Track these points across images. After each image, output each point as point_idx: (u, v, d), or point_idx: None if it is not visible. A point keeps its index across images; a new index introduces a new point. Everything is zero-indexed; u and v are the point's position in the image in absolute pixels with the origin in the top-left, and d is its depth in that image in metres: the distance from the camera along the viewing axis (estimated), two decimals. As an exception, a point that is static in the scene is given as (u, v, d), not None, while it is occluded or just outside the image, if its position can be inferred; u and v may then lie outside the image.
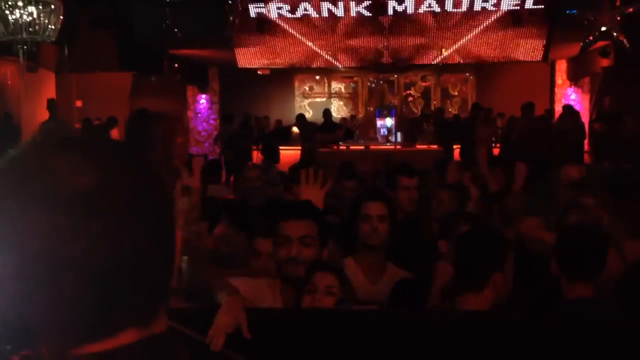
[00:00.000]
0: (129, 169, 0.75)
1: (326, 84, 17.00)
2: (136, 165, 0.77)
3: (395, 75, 16.70)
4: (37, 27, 7.66)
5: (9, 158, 0.73)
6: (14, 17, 7.66)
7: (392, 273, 2.98)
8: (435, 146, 12.20)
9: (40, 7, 7.54)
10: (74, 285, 0.69)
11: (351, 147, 12.82)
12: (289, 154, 11.99)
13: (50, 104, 10.66)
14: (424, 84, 16.86)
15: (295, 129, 13.98)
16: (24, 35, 7.75)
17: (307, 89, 17.03)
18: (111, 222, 0.70)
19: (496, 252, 2.41)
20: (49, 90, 12.74)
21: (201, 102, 16.63)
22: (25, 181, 0.70)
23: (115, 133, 12.04)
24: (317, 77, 16.90)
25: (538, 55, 13.36)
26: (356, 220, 3.01)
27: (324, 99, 16.82)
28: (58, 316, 0.71)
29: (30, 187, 0.69)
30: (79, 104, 14.01)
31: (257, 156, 12.51)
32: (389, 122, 13.92)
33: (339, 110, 16.63)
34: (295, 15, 12.06)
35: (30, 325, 0.72)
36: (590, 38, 10.77)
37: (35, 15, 7.72)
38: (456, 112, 15.05)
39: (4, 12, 7.61)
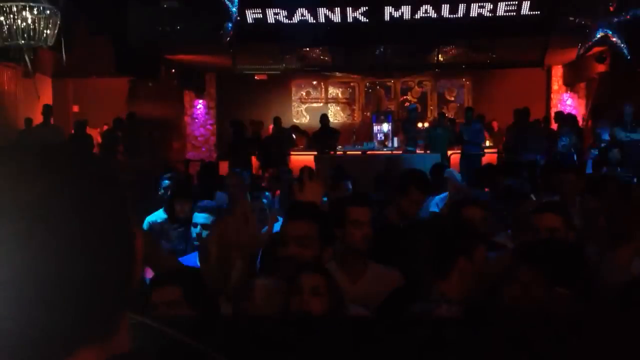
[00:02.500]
0: (82, 177, 0.73)
1: (323, 89, 17.02)
2: (92, 174, 0.74)
3: (392, 81, 16.74)
4: (33, 32, 7.66)
5: None
6: (9, 22, 7.66)
7: (374, 272, 3.04)
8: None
9: (36, 12, 7.55)
10: (18, 303, 0.65)
11: (348, 152, 12.83)
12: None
13: (46, 109, 10.67)
14: (420, 89, 16.89)
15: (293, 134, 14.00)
16: (20, 41, 7.75)
17: (304, 94, 17.05)
18: (57, 232, 0.67)
19: (460, 239, 2.53)
20: (46, 95, 12.74)
21: (198, 107, 16.64)
22: None
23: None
24: (314, 82, 16.92)
25: (534, 61, 13.40)
26: (342, 224, 3.03)
27: (321, 104, 16.84)
28: (7, 338, 0.66)
29: None
30: (75, 109, 14.02)
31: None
32: (386, 127, 13.95)
33: (335, 115, 16.65)
34: (292, 21, 12.08)
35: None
36: (589, 43, 10.82)
37: (30, 21, 7.72)
38: (452, 117, 15.05)
39: (-1, 18, 7.61)
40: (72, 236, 0.68)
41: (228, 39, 11.31)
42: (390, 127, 13.94)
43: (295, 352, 2.04)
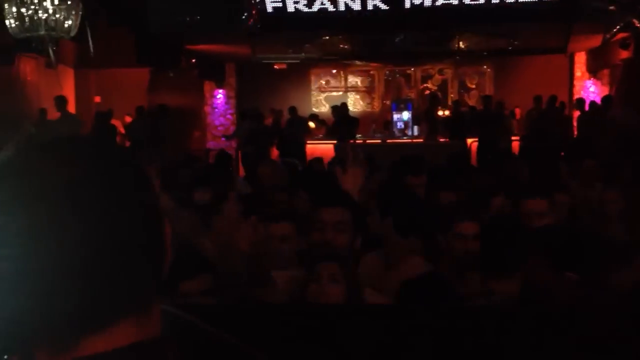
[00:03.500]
0: (107, 163, 0.78)
1: (342, 78, 16.98)
2: (115, 159, 0.79)
3: (412, 69, 16.64)
4: (54, 23, 7.71)
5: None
6: (29, 13, 7.71)
7: (413, 264, 3.00)
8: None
9: (57, 2, 7.59)
10: (59, 278, 0.71)
11: (367, 141, 12.81)
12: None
13: (59, 100, 10.75)
14: (441, 77, 16.77)
15: (311, 124, 14.00)
16: (42, 31, 7.80)
17: (324, 82, 17.02)
18: (92, 214, 0.73)
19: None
20: (68, 86, 12.86)
21: (218, 97, 16.69)
22: (7, 180, 0.74)
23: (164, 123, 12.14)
24: (334, 71, 16.88)
25: (557, 48, 13.23)
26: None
27: (340, 93, 16.80)
28: (47, 312, 0.72)
29: (11, 185, 0.73)
30: (97, 99, 14.13)
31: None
32: (406, 115, 13.89)
33: (355, 104, 16.61)
34: (312, 10, 12.04)
35: (23, 330, 0.73)
36: (614, 30, 10.66)
37: (51, 12, 7.76)
38: (473, 105, 14.95)
39: (20, 8, 7.66)
40: (99, 221, 0.73)
41: (248, 28, 11.31)
42: (410, 116, 13.87)
43: (315, 340, 2.05)
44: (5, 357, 0.79)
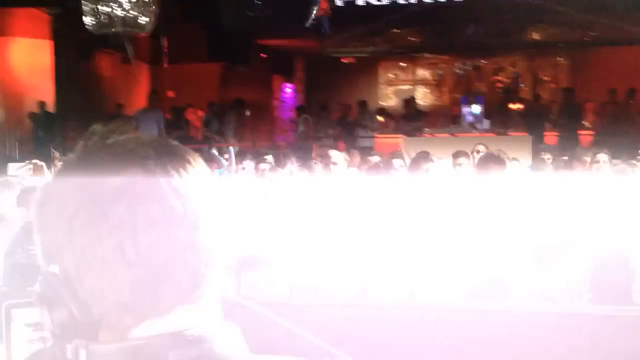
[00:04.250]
0: (171, 163, 0.82)
1: (411, 71, 16.81)
2: (179, 159, 0.84)
3: (484, 61, 16.29)
4: (131, 20, 7.94)
5: (65, 160, 0.83)
6: (107, 10, 7.95)
7: None
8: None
9: (133, 0, 7.82)
10: (125, 270, 0.77)
11: (436, 135, 12.63)
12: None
13: (152, 95, 11.10)
14: (513, 69, 16.35)
15: (379, 118, 13.93)
16: (119, 28, 8.05)
17: (392, 76, 16.90)
18: (155, 211, 0.78)
19: None
20: (143, 81, 13.26)
21: (286, 90, 16.83)
22: (73, 180, 0.80)
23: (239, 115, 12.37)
24: (402, 64, 16.73)
25: (636, 38, 12.69)
26: None
27: (409, 86, 16.64)
28: (112, 300, 0.78)
29: (75, 184, 0.79)
30: (171, 94, 14.50)
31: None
32: (476, 109, 13.62)
33: (424, 97, 16.42)
34: (382, 3, 11.97)
35: (89, 314, 0.79)
36: None
37: (127, 8, 7.99)
38: (549, 98, 14.52)
39: (97, 5, 7.92)
40: (164, 215, 0.79)
41: (317, 22, 11.36)
42: (481, 109, 13.59)
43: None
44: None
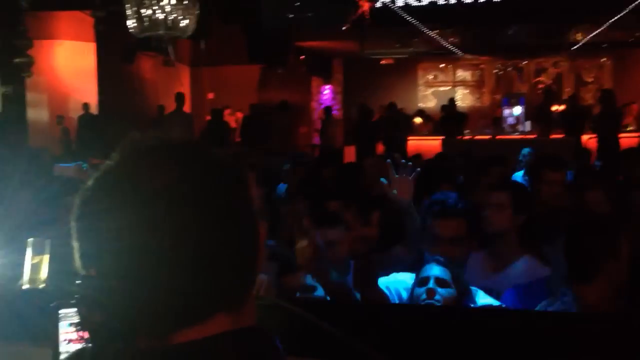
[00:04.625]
0: (207, 166, 0.83)
1: (451, 72, 16.66)
2: (215, 163, 0.85)
3: (525, 62, 16.05)
4: (172, 23, 8.04)
5: (106, 164, 0.84)
6: (149, 13, 8.06)
7: (523, 265, 2.88)
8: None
9: (174, 3, 7.92)
10: (163, 275, 0.78)
11: (476, 137, 12.51)
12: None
13: (179, 97, 11.23)
14: (555, 70, 16.07)
15: (417, 119, 13.85)
16: (161, 31, 8.16)
17: (431, 77, 16.78)
18: (192, 215, 0.78)
19: (606, 241, 2.21)
20: (184, 83, 13.42)
21: (325, 92, 16.85)
22: (117, 184, 0.81)
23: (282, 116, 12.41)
24: (442, 65, 16.59)
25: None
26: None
27: (449, 88, 16.50)
28: (151, 305, 0.79)
29: (120, 188, 0.80)
30: (210, 96, 14.66)
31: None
32: (517, 110, 13.44)
33: (463, 98, 16.26)
34: (421, 3, 11.90)
35: (128, 318, 0.79)
36: None
37: (169, 11, 8.08)
38: (591, 101, 14.23)
39: (140, 9, 8.03)
40: (205, 219, 0.79)
41: (356, 23, 11.34)
42: (522, 111, 13.41)
43: (418, 339, 2.02)
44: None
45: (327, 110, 13.77)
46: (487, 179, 4.14)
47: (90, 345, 0.85)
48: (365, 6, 11.31)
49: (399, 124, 12.50)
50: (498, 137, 12.50)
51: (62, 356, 1.87)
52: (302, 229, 2.61)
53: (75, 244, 0.83)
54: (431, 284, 2.31)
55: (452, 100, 12.89)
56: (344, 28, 11.40)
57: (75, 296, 0.82)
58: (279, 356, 0.85)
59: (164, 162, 0.81)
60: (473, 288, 2.49)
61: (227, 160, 0.86)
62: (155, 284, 0.78)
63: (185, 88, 12.82)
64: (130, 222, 0.78)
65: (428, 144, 11.67)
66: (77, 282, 0.82)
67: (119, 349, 0.81)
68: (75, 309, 1.80)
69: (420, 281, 2.35)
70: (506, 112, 13.54)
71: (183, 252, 0.78)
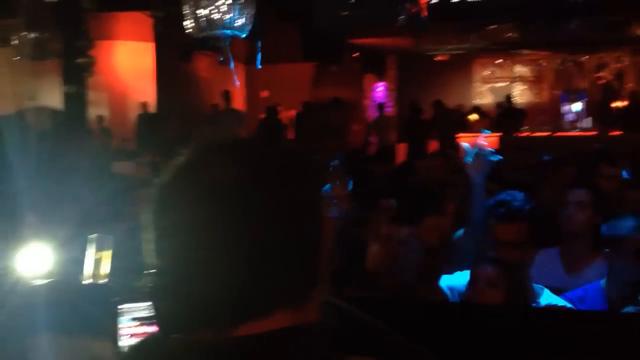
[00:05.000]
0: (277, 163, 0.86)
1: (508, 68, 16.33)
2: (286, 160, 0.87)
3: (586, 57, 15.60)
4: (228, 22, 8.13)
5: (180, 160, 0.87)
6: (205, 13, 8.18)
7: (601, 265, 2.80)
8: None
9: (230, 2, 8.00)
10: (230, 268, 0.80)
11: (534, 134, 12.24)
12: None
13: (226, 95, 11.37)
14: (617, 65, 15.56)
15: (473, 116, 13.63)
16: (217, 30, 8.27)
17: (488, 73, 16.48)
18: (262, 210, 0.80)
19: None
20: (239, 82, 13.55)
21: (378, 89, 16.77)
22: (191, 179, 0.83)
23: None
24: (499, 61, 16.28)
25: None
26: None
27: (506, 84, 16.18)
28: (218, 297, 0.81)
29: (190, 183, 0.83)
30: (265, 94, 14.78)
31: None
32: (578, 106, 13.08)
33: (521, 94, 15.91)
34: (478, -1, 11.72)
35: (195, 309, 0.82)
36: None
37: (225, 11, 8.19)
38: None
39: (197, 10, 8.16)
40: (272, 215, 0.81)
41: (412, 20, 11.24)
42: (582, 107, 13.04)
43: (475, 340, 1.99)
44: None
45: (380, 107, 13.69)
46: (560, 178, 4.06)
47: (152, 337, 0.87)
48: (422, 1, 11.18)
49: (448, 121, 12.33)
50: (557, 133, 12.20)
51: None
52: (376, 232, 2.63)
53: (149, 237, 0.86)
54: (481, 284, 2.28)
55: (508, 97, 12.63)
56: (398, 24, 11.30)
57: (147, 286, 0.85)
58: (339, 355, 0.85)
59: (236, 157, 0.84)
60: (538, 286, 2.44)
61: (299, 158, 0.88)
62: (224, 277, 0.80)
63: (240, 86, 12.95)
64: (203, 216, 0.80)
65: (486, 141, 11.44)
66: (149, 273, 0.85)
67: (183, 341, 0.83)
68: (137, 304, 1.84)
69: (471, 280, 2.32)
70: (565, 108, 13.19)
71: (251, 246, 0.80)
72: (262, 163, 0.85)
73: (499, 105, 12.64)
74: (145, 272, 0.86)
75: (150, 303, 0.86)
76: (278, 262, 0.81)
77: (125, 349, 0.95)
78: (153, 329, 0.89)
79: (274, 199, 0.82)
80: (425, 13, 11.31)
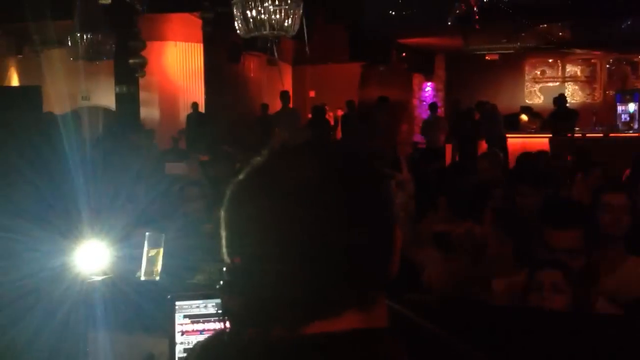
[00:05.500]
0: (349, 165, 0.88)
1: (560, 67, 16.00)
2: (357, 162, 0.89)
3: (640, 56, 15.17)
4: (276, 23, 8.19)
5: (255, 160, 0.90)
6: (254, 14, 8.26)
7: (634, 266, 2.77)
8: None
9: (278, 3, 8.06)
10: (303, 266, 0.82)
11: (587, 135, 11.94)
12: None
13: (283, 95, 11.43)
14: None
15: (524, 117, 13.40)
16: (266, 31, 8.33)
17: (539, 73, 16.18)
18: (332, 211, 0.82)
19: None
20: (286, 82, 13.64)
21: (427, 89, 16.63)
22: (265, 178, 0.86)
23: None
24: (550, 60, 15.96)
25: None
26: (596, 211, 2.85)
27: (557, 84, 15.85)
28: (289, 295, 0.83)
29: (267, 182, 0.86)
30: (312, 94, 14.83)
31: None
32: (632, 107, 12.72)
33: (573, 94, 15.57)
34: (527, -2, 11.49)
35: (266, 307, 0.83)
36: None
37: (274, 11, 8.25)
38: None
39: (245, 11, 8.25)
40: (342, 216, 0.83)
41: (461, 19, 11.10)
42: (637, 107, 12.68)
43: (532, 345, 1.96)
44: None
45: (432, 107, 13.56)
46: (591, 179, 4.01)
47: (220, 334, 0.89)
48: (472, 0, 11.04)
49: (495, 121, 12.11)
50: (611, 134, 11.88)
51: (178, 347, 1.95)
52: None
53: (223, 233, 0.89)
54: (547, 289, 2.24)
55: (562, 96, 12.35)
56: (449, 23, 11.18)
57: (220, 282, 0.87)
58: None
59: (309, 159, 0.87)
60: None
61: (368, 160, 0.90)
62: (295, 275, 0.82)
63: (287, 86, 13.02)
64: (275, 215, 0.83)
65: (535, 142, 11.24)
66: (222, 269, 0.87)
67: (254, 337, 0.84)
68: (190, 302, 1.86)
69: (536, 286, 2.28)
70: (620, 108, 12.85)
71: (322, 246, 0.81)
72: (336, 165, 0.87)
73: (554, 102, 12.20)
74: (224, 266, 0.89)
75: (210, 300, 0.89)
76: (348, 263, 0.83)
77: (195, 346, 0.97)
78: (210, 325, 0.91)
79: (346, 200, 0.84)
80: (475, 12, 11.15)
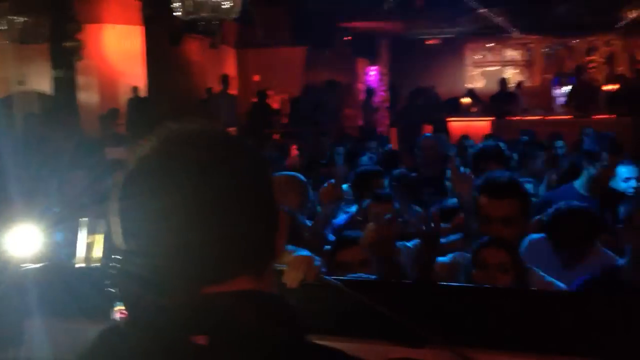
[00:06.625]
0: (233, 152, 0.96)
1: (499, 52, 16.33)
2: (240, 149, 0.97)
3: (576, 40, 15.60)
4: (218, 5, 8.05)
5: (144, 149, 0.94)
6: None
7: (596, 258, 2.80)
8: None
9: (220, -15, 7.92)
10: (199, 245, 0.89)
11: (526, 117, 12.24)
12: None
13: (224, 79, 11.31)
14: (607, 48, 15.58)
15: (465, 99, 13.62)
16: (206, 14, 8.19)
17: (479, 57, 16.47)
18: (221, 194, 0.90)
19: None
20: (230, 65, 13.47)
21: (371, 74, 16.70)
22: (155, 167, 0.92)
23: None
24: (490, 45, 16.27)
25: None
26: None
27: (497, 67, 16.18)
28: (186, 271, 0.90)
29: (157, 170, 0.91)
30: (256, 78, 14.69)
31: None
32: (568, 90, 13.09)
33: (513, 78, 15.93)
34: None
35: (164, 286, 0.89)
36: None
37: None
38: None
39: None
40: (229, 198, 0.91)
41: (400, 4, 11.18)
42: (572, 90, 13.04)
43: (476, 321, 1.98)
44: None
45: (369, 92, 13.66)
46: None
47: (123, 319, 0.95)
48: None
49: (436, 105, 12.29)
50: (548, 117, 12.21)
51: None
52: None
53: (117, 221, 0.93)
54: (493, 270, 2.27)
55: (503, 80, 12.60)
56: (386, 7, 11.25)
57: (115, 270, 0.91)
58: (296, 325, 0.93)
59: (196, 147, 0.92)
60: (533, 268, 2.45)
61: (251, 147, 0.98)
62: (192, 253, 0.89)
63: (230, 70, 12.87)
64: (167, 201, 0.88)
65: (476, 125, 11.45)
66: (116, 257, 0.92)
67: (155, 303, 0.90)
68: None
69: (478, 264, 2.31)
70: (557, 91, 13.20)
71: (215, 226, 0.89)
72: (221, 152, 0.94)
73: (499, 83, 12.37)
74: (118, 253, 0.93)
75: (122, 284, 0.93)
76: (239, 237, 0.91)
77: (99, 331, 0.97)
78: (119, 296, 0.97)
79: (233, 185, 0.91)
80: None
